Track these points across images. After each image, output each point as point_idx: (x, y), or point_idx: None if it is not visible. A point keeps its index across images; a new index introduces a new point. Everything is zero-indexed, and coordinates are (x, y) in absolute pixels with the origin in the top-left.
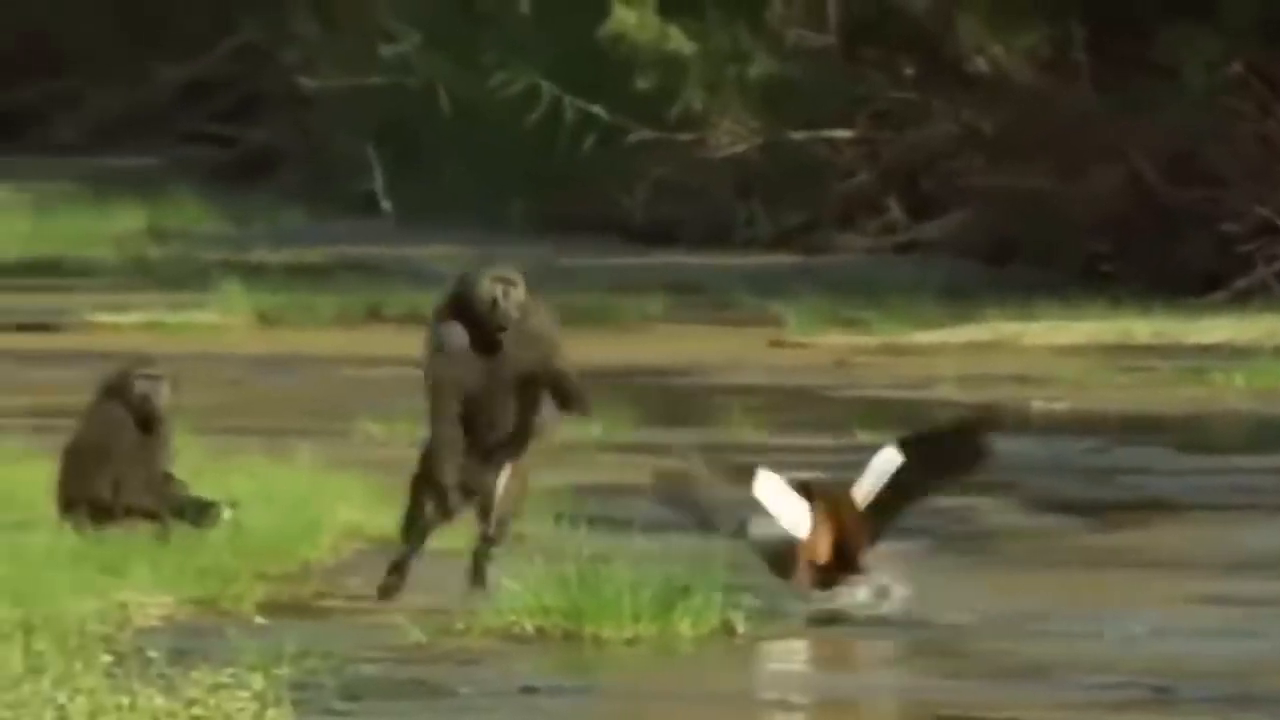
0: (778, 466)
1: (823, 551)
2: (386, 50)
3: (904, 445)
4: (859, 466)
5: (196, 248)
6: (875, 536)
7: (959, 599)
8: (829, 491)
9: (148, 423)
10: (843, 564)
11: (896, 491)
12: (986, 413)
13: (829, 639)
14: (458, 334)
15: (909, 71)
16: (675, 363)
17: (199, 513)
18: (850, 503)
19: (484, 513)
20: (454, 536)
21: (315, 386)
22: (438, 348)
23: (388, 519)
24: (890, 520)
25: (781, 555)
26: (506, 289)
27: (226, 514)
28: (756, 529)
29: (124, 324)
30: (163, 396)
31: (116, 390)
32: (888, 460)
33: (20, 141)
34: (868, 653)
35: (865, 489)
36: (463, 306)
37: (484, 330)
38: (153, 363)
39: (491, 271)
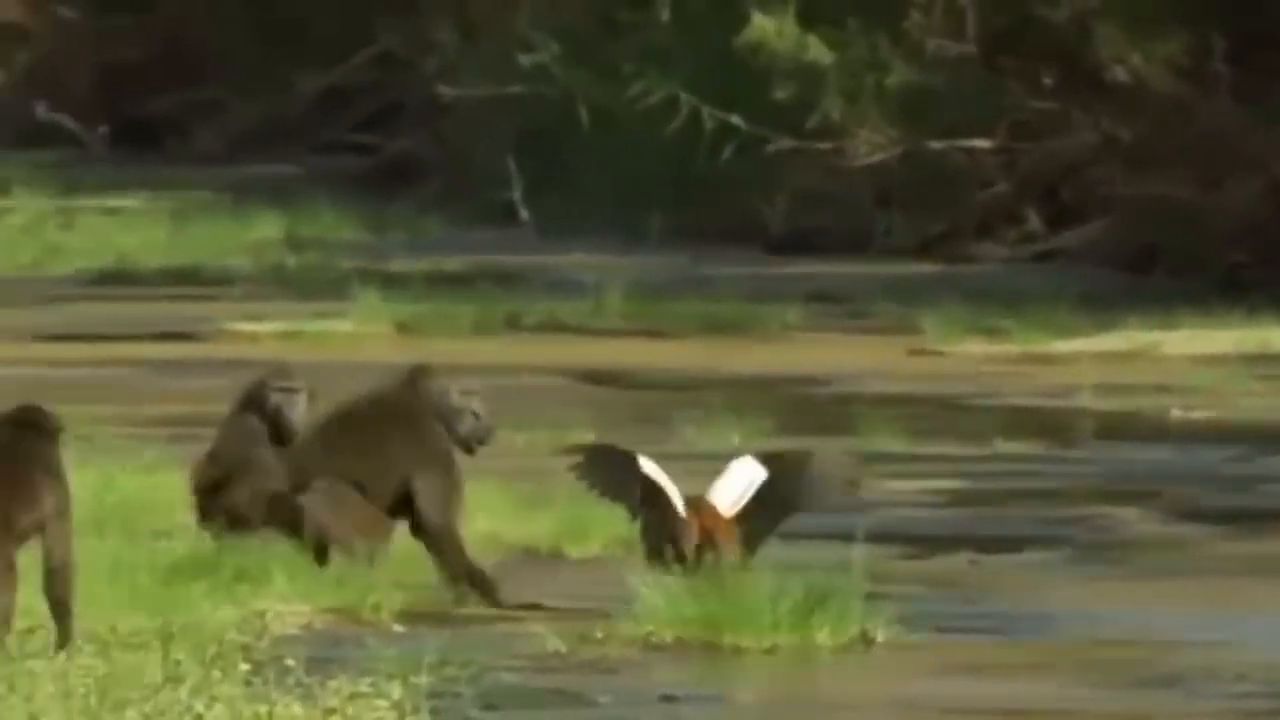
0: (918, 476)
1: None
2: (526, 59)
3: (766, 461)
4: (998, 475)
5: (335, 257)
6: (745, 546)
7: (1098, 608)
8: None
9: (282, 435)
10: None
11: (763, 505)
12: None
13: (965, 647)
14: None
15: (1048, 81)
16: (814, 371)
17: None
18: (712, 508)
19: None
20: (591, 545)
21: None
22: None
23: (527, 527)
24: (760, 535)
25: (665, 509)
26: (470, 398)
27: None
28: (652, 469)
29: (262, 333)
30: (299, 409)
31: (253, 401)
32: (752, 472)
33: (160, 151)
34: (1004, 661)
35: (730, 498)
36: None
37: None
38: (290, 374)
39: (455, 384)
